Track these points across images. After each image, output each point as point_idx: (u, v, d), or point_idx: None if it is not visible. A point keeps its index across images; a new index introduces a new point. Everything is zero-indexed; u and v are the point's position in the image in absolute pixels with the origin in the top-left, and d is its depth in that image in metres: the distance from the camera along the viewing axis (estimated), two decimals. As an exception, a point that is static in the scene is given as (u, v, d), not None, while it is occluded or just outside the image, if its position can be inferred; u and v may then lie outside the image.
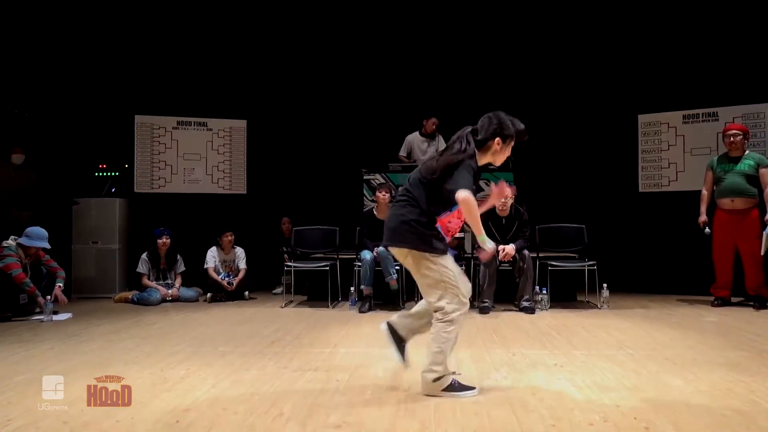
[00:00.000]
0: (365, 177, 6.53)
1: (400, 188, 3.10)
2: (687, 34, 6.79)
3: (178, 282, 6.30)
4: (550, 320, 4.81)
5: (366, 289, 5.36)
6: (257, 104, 7.72)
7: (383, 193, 5.65)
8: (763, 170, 5.26)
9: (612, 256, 6.40)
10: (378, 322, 4.75)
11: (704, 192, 5.54)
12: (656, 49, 6.92)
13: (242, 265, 6.37)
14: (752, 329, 4.28)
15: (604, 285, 5.46)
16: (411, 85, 7.70)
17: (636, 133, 6.97)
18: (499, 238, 5.38)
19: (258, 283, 6.70)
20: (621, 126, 7.08)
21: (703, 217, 5.46)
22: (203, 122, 7.52)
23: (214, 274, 6.20)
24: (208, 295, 6.15)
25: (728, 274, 5.40)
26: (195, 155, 7.48)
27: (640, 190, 6.96)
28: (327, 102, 7.81)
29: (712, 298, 5.50)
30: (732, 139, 5.35)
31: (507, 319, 4.89)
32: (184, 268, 6.42)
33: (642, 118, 6.96)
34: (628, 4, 7.02)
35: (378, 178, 6.44)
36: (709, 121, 6.64)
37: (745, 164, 5.32)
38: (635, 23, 7.04)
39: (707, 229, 5.43)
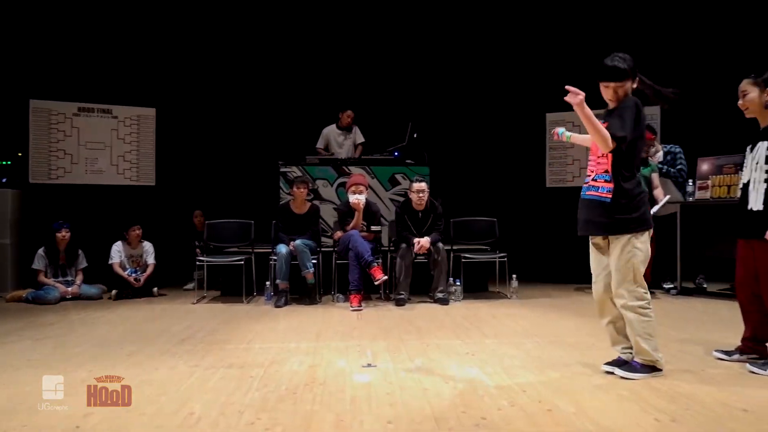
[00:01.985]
0: (282, 169, 6.42)
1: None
2: (589, 39, 7.21)
3: (79, 279, 5.93)
4: (462, 310, 4.96)
5: (282, 284, 5.28)
6: (167, 92, 7.38)
7: (300, 188, 5.58)
8: (654, 174, 5.77)
9: (521, 248, 6.70)
10: (294, 315, 4.74)
11: None
12: (562, 51, 7.30)
13: (150, 260, 6.08)
14: (644, 315, 4.63)
15: (514, 276, 5.70)
16: (328, 77, 7.65)
17: (544, 130, 7.34)
18: (415, 231, 5.49)
19: (168, 278, 6.43)
20: (530, 124, 7.42)
21: None
22: (108, 109, 7.09)
23: (119, 270, 5.88)
24: (113, 292, 5.83)
25: None
26: (99, 144, 7.04)
27: (547, 185, 7.34)
28: (242, 92, 7.61)
29: None
30: (646, 148, 5.76)
31: (422, 311, 5.00)
32: (86, 264, 6.04)
33: (549, 117, 7.34)
34: (537, 10, 7.35)
35: (295, 171, 6.36)
36: (608, 121, 7.10)
37: (648, 169, 5.80)
38: (543, 27, 7.38)
39: None
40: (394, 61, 7.64)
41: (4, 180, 6.53)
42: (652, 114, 6.93)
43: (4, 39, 6.59)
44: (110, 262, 5.90)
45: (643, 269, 2.77)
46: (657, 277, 5.96)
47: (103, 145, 7.06)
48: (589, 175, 2.90)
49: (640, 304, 2.75)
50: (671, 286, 5.90)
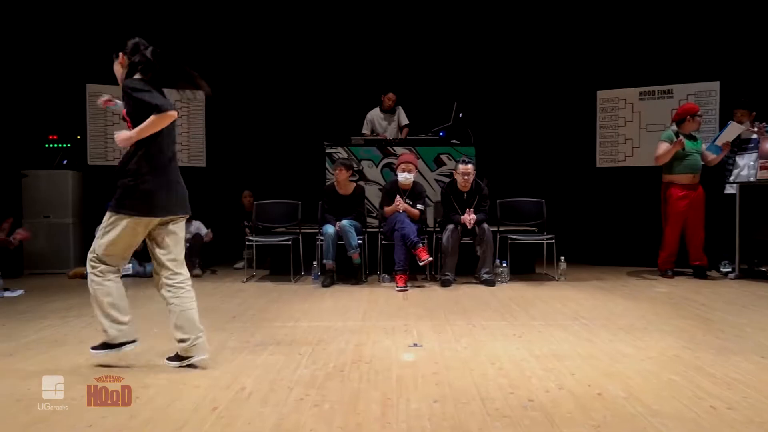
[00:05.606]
0: (327, 150, 6.46)
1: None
2: (644, 12, 6.90)
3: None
4: (509, 292, 4.92)
5: (328, 264, 5.35)
6: (216, 75, 7.47)
7: (341, 170, 5.58)
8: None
9: (570, 230, 6.56)
10: (340, 295, 4.80)
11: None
12: (615, 26, 7.01)
13: (203, 230, 6.25)
14: (699, 299, 4.48)
15: (562, 258, 5.60)
16: (372, 58, 7.61)
17: (594, 109, 7.09)
18: (460, 212, 5.44)
19: (219, 257, 6.62)
20: (580, 102, 7.19)
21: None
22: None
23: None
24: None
25: (677, 246, 5.62)
26: (151, 127, 7.24)
27: (598, 165, 7.11)
28: (290, 73, 7.65)
29: (659, 269, 5.69)
30: (700, 119, 5.61)
31: (468, 291, 4.98)
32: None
33: (600, 94, 7.08)
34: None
35: (341, 152, 6.39)
36: (664, 98, 6.81)
37: (699, 143, 5.60)
38: (595, 2, 7.10)
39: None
40: (439, 40, 7.53)
41: (65, 162, 6.82)
42: (711, 90, 6.60)
43: (63, 28, 6.81)
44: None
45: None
46: (714, 258, 5.73)
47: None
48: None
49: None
50: (729, 269, 5.67)
